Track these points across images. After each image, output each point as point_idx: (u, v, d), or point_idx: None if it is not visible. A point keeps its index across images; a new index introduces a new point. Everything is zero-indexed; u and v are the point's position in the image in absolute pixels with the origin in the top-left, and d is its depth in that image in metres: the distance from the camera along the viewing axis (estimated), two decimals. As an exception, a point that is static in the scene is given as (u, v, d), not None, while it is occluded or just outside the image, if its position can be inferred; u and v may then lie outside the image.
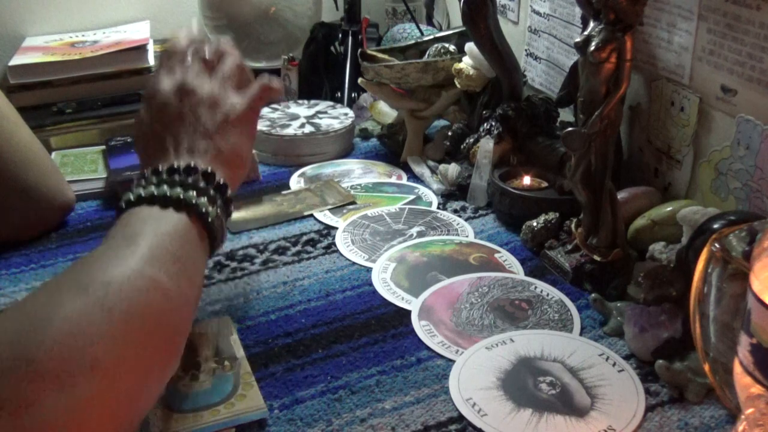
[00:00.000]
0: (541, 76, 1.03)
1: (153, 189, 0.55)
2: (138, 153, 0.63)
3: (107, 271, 0.47)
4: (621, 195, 0.75)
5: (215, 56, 0.66)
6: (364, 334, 0.65)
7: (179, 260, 0.51)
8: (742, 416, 0.45)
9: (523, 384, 0.58)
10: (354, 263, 0.77)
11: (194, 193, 0.56)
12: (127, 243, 0.50)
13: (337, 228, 0.84)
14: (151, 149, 0.61)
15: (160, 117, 0.61)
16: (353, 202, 0.89)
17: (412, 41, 1.06)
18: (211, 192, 0.57)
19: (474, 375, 0.60)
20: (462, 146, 0.93)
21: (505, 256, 0.77)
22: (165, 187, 0.55)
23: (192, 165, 0.58)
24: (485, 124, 0.91)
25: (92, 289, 0.45)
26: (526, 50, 1.06)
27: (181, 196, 0.55)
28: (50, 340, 0.41)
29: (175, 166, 0.57)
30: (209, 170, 0.58)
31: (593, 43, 0.65)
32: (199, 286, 0.56)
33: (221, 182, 0.59)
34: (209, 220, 0.56)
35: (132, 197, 0.55)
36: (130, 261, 0.48)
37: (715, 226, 0.60)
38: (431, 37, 1.06)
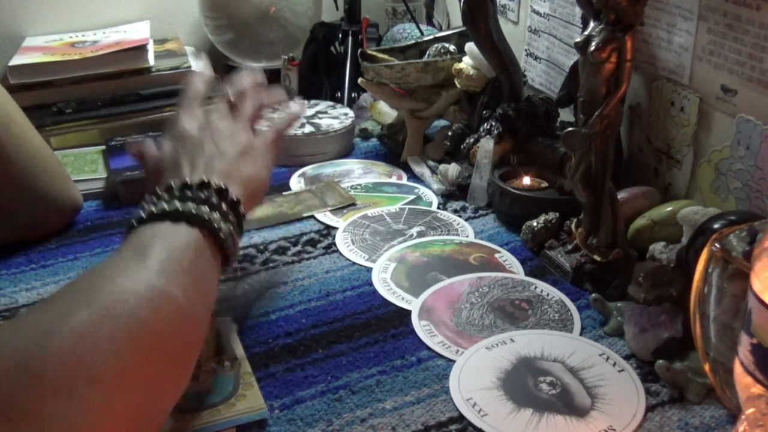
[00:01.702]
0: (541, 76, 1.03)
1: (164, 205, 0.54)
2: (148, 185, 0.61)
3: (115, 282, 0.46)
4: (621, 195, 0.75)
5: (238, 97, 0.69)
6: (365, 334, 0.65)
7: (190, 274, 0.51)
8: (743, 416, 0.45)
9: (524, 384, 0.58)
10: (354, 263, 0.77)
11: (206, 208, 0.55)
12: (136, 256, 0.49)
13: (337, 228, 0.84)
14: (166, 172, 0.60)
15: (179, 145, 0.62)
16: (353, 204, 0.89)
17: (412, 41, 1.06)
18: (224, 207, 0.57)
19: (474, 375, 0.60)
20: (462, 146, 0.93)
21: (505, 256, 0.77)
22: (176, 202, 0.54)
23: (205, 180, 0.57)
24: (485, 124, 0.90)
25: (99, 301, 0.44)
26: (526, 50, 1.06)
27: (193, 212, 0.54)
28: (55, 353, 0.41)
29: (188, 182, 0.57)
30: (222, 186, 0.58)
31: (593, 43, 0.65)
32: (211, 301, 0.55)
33: (234, 198, 0.58)
34: (221, 236, 0.55)
35: (143, 214, 0.54)
36: (140, 273, 0.48)
37: (716, 226, 0.60)
38: (431, 37, 1.06)
